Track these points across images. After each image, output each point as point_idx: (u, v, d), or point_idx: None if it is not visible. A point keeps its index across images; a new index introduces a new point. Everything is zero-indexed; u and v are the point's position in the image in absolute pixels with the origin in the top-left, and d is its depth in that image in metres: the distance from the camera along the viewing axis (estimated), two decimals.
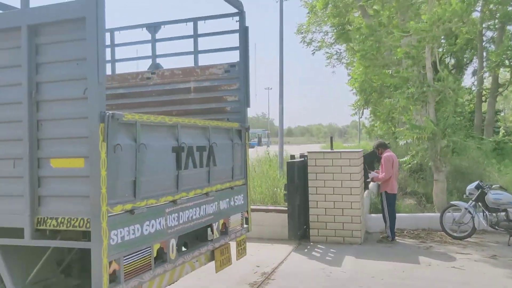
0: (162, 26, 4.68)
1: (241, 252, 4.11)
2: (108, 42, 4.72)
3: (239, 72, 4.25)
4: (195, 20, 4.47)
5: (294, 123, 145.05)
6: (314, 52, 19.13)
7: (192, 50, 4.49)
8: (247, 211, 4.23)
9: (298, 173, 6.29)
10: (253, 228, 5.72)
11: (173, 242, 3.01)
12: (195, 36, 4.45)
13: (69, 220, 2.48)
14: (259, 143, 66.03)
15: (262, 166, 8.61)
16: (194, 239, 3.61)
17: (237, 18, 4.24)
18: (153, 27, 4.67)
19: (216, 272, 3.71)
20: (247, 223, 4.24)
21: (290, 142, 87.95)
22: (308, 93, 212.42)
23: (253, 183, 7.44)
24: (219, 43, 4.35)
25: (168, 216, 2.96)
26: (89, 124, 2.37)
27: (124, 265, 2.53)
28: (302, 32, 18.49)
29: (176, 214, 3.06)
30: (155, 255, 2.82)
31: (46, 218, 2.53)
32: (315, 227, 6.38)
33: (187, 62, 4.56)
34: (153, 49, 4.68)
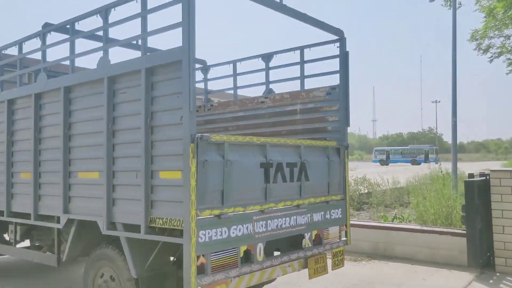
0: (274, 56, 5.24)
1: (338, 263, 4.28)
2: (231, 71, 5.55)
3: (339, 94, 4.50)
4: (301, 48, 4.91)
5: (467, 138, 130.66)
6: (492, 59, 17.26)
7: (299, 75, 4.92)
8: (345, 225, 4.39)
9: (478, 194, 5.85)
10: (425, 251, 6.17)
11: (260, 246, 3.43)
12: (302, 62, 4.89)
13: (170, 220, 3.14)
14: (426, 160, 62.15)
15: (434, 185, 8.16)
16: (287, 246, 3.95)
17: (338, 44, 4.55)
18: (266, 57, 5.27)
19: (309, 279, 3.97)
20: (346, 236, 4.40)
21: (462, 159, 79.69)
22: (483, 104, 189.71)
23: (424, 203, 7.35)
24: (322, 66, 4.70)
25: (255, 223, 3.40)
26: (184, 144, 2.99)
27: (211, 260, 3.05)
28: (477, 39, 16.75)
29: (264, 222, 3.47)
30: (241, 255, 3.28)
31: (155, 218, 3.25)
32: (502, 256, 5.72)
33: (294, 86, 5.02)
34: (267, 76, 5.27)
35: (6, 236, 5.18)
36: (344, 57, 4.51)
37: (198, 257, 2.95)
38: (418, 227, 6.59)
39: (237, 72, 5.62)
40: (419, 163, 56.94)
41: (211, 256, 3.06)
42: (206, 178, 3.05)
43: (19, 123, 4.69)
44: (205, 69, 5.96)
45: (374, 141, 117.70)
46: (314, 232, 4.02)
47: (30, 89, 4.54)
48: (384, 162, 64.02)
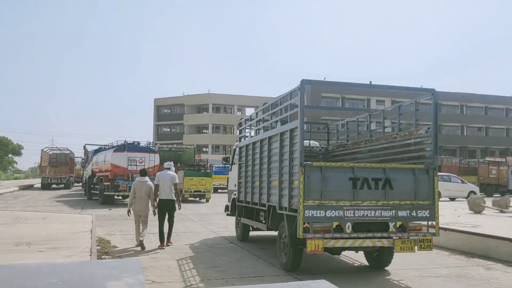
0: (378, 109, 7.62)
1: (425, 247, 6.23)
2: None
3: (431, 132, 6.48)
4: (399, 105, 7.18)
5: None
6: None
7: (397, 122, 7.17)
8: (435, 222, 6.26)
9: None
10: None
11: (348, 224, 6.07)
12: (399, 114, 7.30)
13: (292, 204, 6.33)
14: None
15: None
16: (378, 229, 6.29)
17: (430, 96, 6.60)
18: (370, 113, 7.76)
19: (396, 250, 6.22)
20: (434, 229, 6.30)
21: None
22: None
23: None
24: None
25: (345, 211, 6.08)
26: (299, 167, 6.13)
27: (313, 226, 6.01)
28: None
29: (352, 211, 6.11)
30: (334, 227, 6.05)
31: (292, 204, 6.50)
32: None
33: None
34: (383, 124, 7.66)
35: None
36: (435, 107, 6.51)
37: (304, 223, 5.99)
38: None
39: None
40: None
41: (313, 224, 6.02)
42: (310, 185, 6.06)
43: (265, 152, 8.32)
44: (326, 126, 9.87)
45: None
46: (399, 223, 6.21)
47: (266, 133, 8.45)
48: None
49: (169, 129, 69.63)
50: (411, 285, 6.03)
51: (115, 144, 21.74)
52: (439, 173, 21.10)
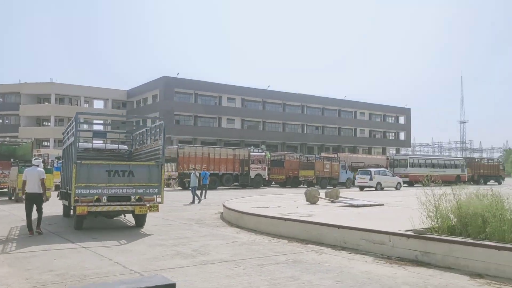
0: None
1: (153, 209, 11.17)
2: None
3: (161, 144, 11.50)
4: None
5: None
6: None
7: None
8: (160, 196, 11.25)
9: None
10: None
11: (104, 197, 10.70)
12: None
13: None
14: None
15: None
16: (125, 200, 11.05)
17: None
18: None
19: (135, 212, 11.04)
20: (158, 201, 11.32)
21: None
22: None
23: None
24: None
25: (102, 189, 10.68)
26: (73, 164, 10.57)
27: (81, 198, 10.49)
28: None
29: (107, 190, 10.73)
30: (95, 199, 10.62)
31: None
32: None
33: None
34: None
35: None
36: (164, 130, 11.46)
37: (75, 197, 10.44)
38: None
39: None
40: None
41: (81, 197, 10.50)
42: (80, 174, 10.51)
43: None
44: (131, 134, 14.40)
45: None
46: (138, 196, 11.05)
47: None
48: None
49: (0, 120, 66.73)
50: (253, 273, 6.54)
51: None
52: (377, 169, 30.61)
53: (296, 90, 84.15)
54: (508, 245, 6.50)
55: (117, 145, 15.51)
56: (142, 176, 11.06)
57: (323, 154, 48.74)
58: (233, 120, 68.76)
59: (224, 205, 14.55)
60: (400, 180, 35.05)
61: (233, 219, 12.71)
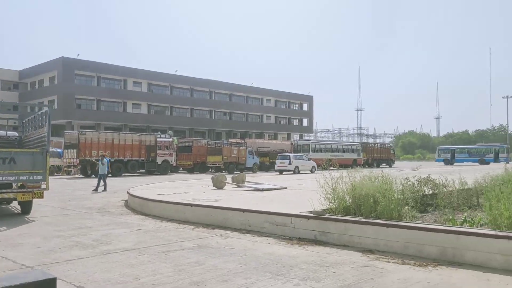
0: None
1: (37, 196, 10.58)
2: None
3: (47, 131, 10.71)
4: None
5: None
6: None
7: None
8: (45, 183, 10.60)
9: None
10: (499, 258, 5.86)
11: None
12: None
13: None
14: (496, 159, 62.81)
15: (510, 186, 7.82)
16: (7, 187, 10.26)
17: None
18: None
19: (18, 199, 10.32)
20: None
21: None
22: None
23: (497, 206, 6.86)
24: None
25: None
26: None
27: None
28: None
29: None
30: None
31: None
32: None
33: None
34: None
35: None
36: (49, 117, 10.74)
37: None
38: (492, 232, 6.28)
39: None
40: (488, 163, 58.17)
41: None
42: None
43: None
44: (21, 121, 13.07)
45: (437, 139, 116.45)
46: (20, 183, 10.33)
47: None
48: (448, 162, 65.67)
49: None
50: (157, 260, 6.38)
51: None
52: (295, 154, 33.09)
53: (204, 76, 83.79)
54: (395, 223, 7.12)
55: (5, 132, 14.37)
56: (25, 163, 10.40)
57: (230, 140, 49.25)
58: (139, 105, 66.52)
59: (128, 192, 14.08)
60: (315, 164, 36.81)
61: (138, 206, 12.34)
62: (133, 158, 33.63)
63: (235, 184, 16.59)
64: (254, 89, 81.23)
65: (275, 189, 15.33)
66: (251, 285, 5.19)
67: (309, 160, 37.39)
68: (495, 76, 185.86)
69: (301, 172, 34.49)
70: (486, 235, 6.19)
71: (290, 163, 34.67)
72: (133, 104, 65.46)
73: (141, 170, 34.83)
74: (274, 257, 6.58)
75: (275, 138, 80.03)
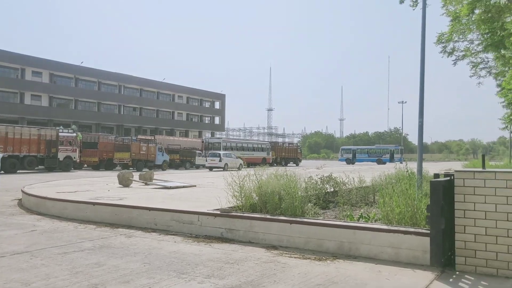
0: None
1: None
2: None
3: None
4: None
5: (431, 138, 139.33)
6: (456, 63, 18.69)
7: None
8: None
9: (443, 194, 5.92)
10: (389, 250, 6.41)
11: None
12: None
13: None
14: (391, 159, 67.54)
15: (400, 184, 8.15)
16: None
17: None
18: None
19: None
20: None
21: (426, 159, 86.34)
22: (445, 106, 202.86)
23: (389, 203, 7.35)
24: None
25: None
26: None
27: None
28: (443, 42, 17.88)
29: None
30: None
31: None
32: (462, 255, 5.97)
33: None
34: None
35: None
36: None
37: None
38: (383, 227, 6.76)
39: None
40: (384, 163, 62.24)
41: None
42: None
43: None
44: None
45: (341, 140, 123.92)
46: None
47: None
48: (350, 161, 69.44)
49: None
50: (52, 263, 5.97)
51: None
52: (225, 152, 35.89)
53: (113, 69, 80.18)
54: (298, 219, 7.38)
55: None
56: None
57: (140, 136, 47.87)
58: (39, 96, 61.84)
59: (23, 191, 12.97)
60: (241, 161, 38.95)
61: (34, 206, 11.42)
62: (31, 154, 31.20)
63: (143, 182, 16.10)
64: (165, 85, 79.56)
65: (184, 187, 15.15)
66: (154, 285, 5.05)
67: (236, 158, 39.43)
68: (393, 82, 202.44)
69: (229, 169, 34.81)
70: (379, 230, 6.65)
71: (220, 160, 36.66)
72: (31, 95, 60.65)
73: (40, 167, 32.41)
74: (180, 256, 6.47)
75: (186, 135, 79.26)
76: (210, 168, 36.18)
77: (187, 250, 6.84)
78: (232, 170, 12.58)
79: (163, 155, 39.39)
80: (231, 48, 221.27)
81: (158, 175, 19.72)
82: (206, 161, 38.23)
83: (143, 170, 33.08)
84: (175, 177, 21.74)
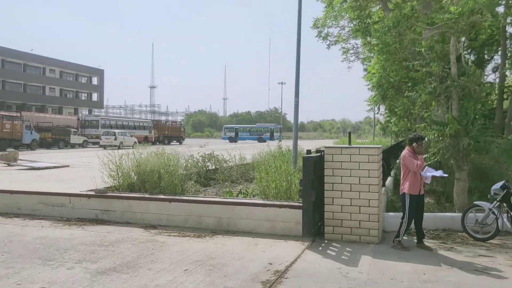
0: None
1: None
2: None
3: None
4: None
5: (307, 118, 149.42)
6: (329, 47, 19.50)
7: None
8: None
9: (314, 169, 6.26)
10: (266, 224, 6.63)
11: None
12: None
13: None
14: (271, 138, 69.43)
15: (276, 161, 8.37)
16: None
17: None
18: None
19: None
20: None
21: (303, 137, 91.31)
22: (321, 88, 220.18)
23: (266, 178, 7.62)
24: None
25: None
26: None
27: None
28: (318, 27, 18.63)
29: None
30: None
31: None
32: (330, 225, 6.42)
33: None
34: None
35: None
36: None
37: None
38: (260, 201, 7.03)
39: None
40: (265, 141, 63.73)
41: None
42: None
43: None
44: None
45: (224, 119, 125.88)
46: None
47: None
48: (233, 139, 69.94)
49: None
50: None
51: None
52: (120, 130, 34.26)
53: None
54: (177, 197, 7.29)
55: None
56: None
57: (2, 113, 43.13)
58: None
59: None
60: (136, 140, 37.78)
61: None
62: None
63: (5, 163, 14.79)
64: (34, 57, 71.92)
65: (54, 167, 14.06)
66: (13, 275, 4.57)
67: (131, 137, 39.33)
68: (274, 64, 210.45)
69: (125, 147, 32.85)
70: (256, 205, 6.91)
71: (115, 139, 36.50)
72: None
73: None
74: (47, 241, 5.96)
75: (60, 112, 73.09)
76: (104, 147, 33.50)
77: (56, 235, 6.33)
78: (126, 148, 11.90)
79: (31, 134, 35.80)
80: (110, 23, 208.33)
81: (25, 155, 18.14)
82: (101, 139, 37.69)
83: (7, 150, 29.97)
84: (46, 157, 20.07)
